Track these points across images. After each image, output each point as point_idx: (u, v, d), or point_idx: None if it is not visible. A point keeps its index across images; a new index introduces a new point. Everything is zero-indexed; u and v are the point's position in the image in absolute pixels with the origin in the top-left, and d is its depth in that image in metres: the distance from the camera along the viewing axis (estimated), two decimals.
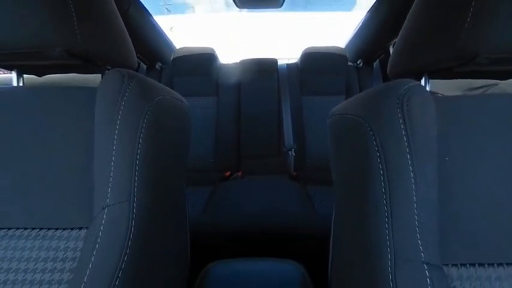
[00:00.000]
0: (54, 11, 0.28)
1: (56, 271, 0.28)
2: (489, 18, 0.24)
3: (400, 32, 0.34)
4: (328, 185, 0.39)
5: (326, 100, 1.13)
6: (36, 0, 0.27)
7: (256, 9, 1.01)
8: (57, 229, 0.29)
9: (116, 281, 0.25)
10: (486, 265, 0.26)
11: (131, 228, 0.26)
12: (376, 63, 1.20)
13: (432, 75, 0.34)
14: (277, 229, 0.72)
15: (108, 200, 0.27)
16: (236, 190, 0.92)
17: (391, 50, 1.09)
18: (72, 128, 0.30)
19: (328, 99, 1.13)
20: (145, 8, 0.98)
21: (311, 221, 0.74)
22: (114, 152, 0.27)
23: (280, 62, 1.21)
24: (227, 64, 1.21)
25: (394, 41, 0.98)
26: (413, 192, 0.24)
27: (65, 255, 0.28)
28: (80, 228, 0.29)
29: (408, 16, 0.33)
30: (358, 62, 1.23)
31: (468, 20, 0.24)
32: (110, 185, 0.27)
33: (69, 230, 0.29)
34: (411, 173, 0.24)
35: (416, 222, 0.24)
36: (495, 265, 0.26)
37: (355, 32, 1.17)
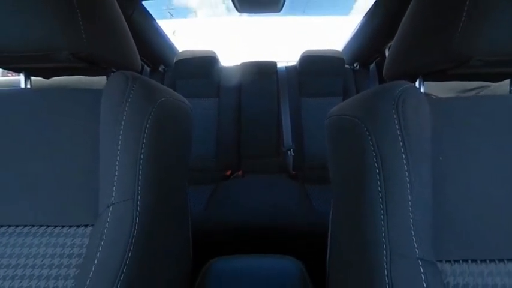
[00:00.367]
0: (61, 15, 0.29)
1: (62, 267, 0.28)
2: (482, 22, 0.25)
3: (396, 36, 0.35)
4: (326, 184, 0.39)
5: (324, 101, 1.15)
6: (43, 5, 0.28)
7: (256, 13, 1.03)
8: (63, 226, 0.30)
9: (120, 276, 0.26)
10: (479, 261, 0.27)
11: (135, 226, 0.27)
12: (372, 66, 1.22)
13: (426, 77, 0.35)
14: (276, 226, 0.73)
15: (113, 198, 0.28)
16: (237, 189, 0.93)
17: (386, 53, 1.11)
18: (78, 128, 0.32)
19: (326, 100, 1.14)
20: (149, 12, 1.00)
21: (309, 218, 0.75)
22: (118, 152, 0.28)
23: (279, 65, 1.23)
24: (228, 67, 1.23)
25: (390, 44, 0.99)
26: (408, 191, 0.25)
27: (71, 252, 0.29)
28: (86, 226, 0.30)
29: (403, 20, 0.34)
30: (355, 65, 1.25)
31: (461, 23, 0.25)
32: (115, 184, 0.28)
33: (75, 227, 0.30)
34: (406, 173, 0.25)
35: (411, 220, 0.25)
36: (487, 261, 0.27)
37: (351, 35, 1.19)
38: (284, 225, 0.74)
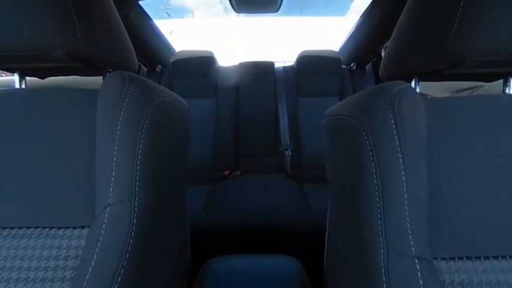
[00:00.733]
0: (56, 14, 0.28)
1: (58, 269, 0.28)
2: (476, 23, 0.25)
3: (391, 36, 0.35)
4: (323, 183, 0.40)
5: (321, 101, 1.15)
6: (38, 3, 0.28)
7: (254, 13, 1.03)
8: (60, 228, 0.30)
9: (118, 278, 0.25)
10: (473, 258, 0.28)
11: (132, 227, 0.27)
12: (368, 66, 1.23)
13: (422, 77, 0.35)
14: (274, 226, 0.73)
15: (110, 199, 0.27)
16: (235, 188, 0.93)
17: (382, 54, 1.12)
18: (74, 129, 0.31)
19: (323, 100, 1.15)
20: (145, 12, 1.00)
21: (307, 217, 0.76)
22: (115, 152, 0.28)
23: (277, 65, 1.24)
24: (225, 67, 1.23)
25: (386, 44, 1.00)
26: (405, 190, 0.25)
27: (67, 254, 0.29)
28: (83, 227, 0.30)
29: (399, 21, 0.34)
30: (351, 65, 1.26)
31: (455, 25, 0.25)
32: (112, 185, 0.28)
33: (72, 229, 0.30)
34: (402, 171, 0.25)
35: (408, 219, 0.25)
36: (482, 258, 0.28)
37: (348, 36, 1.20)
38: (282, 224, 0.74)
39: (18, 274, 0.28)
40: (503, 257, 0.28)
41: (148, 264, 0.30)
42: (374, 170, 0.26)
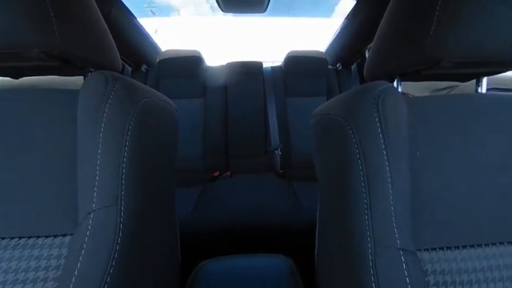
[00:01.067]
0: (31, 10, 0.27)
1: (38, 281, 0.26)
2: (450, 28, 0.26)
3: (374, 38, 0.37)
4: (313, 181, 0.40)
5: (309, 101, 1.17)
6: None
7: (241, 13, 1.03)
8: (39, 237, 0.28)
9: (104, 287, 0.24)
10: (453, 248, 0.29)
11: (119, 233, 0.26)
12: (353, 67, 1.27)
13: (403, 77, 0.37)
14: (265, 225, 0.73)
15: (94, 204, 0.26)
16: (225, 189, 0.93)
17: (366, 54, 1.16)
18: (53, 131, 0.29)
19: (311, 100, 1.17)
20: (128, 10, 0.96)
21: (297, 216, 0.77)
22: (99, 155, 0.27)
23: (265, 65, 1.24)
24: (213, 66, 1.22)
25: (369, 46, 1.04)
26: (389, 186, 0.26)
27: (48, 264, 0.27)
28: (64, 235, 0.28)
29: (380, 24, 0.35)
30: (337, 65, 1.29)
31: (433, 28, 0.27)
32: (96, 189, 0.26)
33: (52, 238, 0.28)
34: (387, 168, 0.26)
35: (393, 213, 0.26)
36: (460, 248, 0.29)
37: (333, 37, 1.23)
38: (273, 223, 0.75)
39: None
40: (479, 245, 0.30)
41: (137, 270, 0.29)
42: (360, 167, 0.27)
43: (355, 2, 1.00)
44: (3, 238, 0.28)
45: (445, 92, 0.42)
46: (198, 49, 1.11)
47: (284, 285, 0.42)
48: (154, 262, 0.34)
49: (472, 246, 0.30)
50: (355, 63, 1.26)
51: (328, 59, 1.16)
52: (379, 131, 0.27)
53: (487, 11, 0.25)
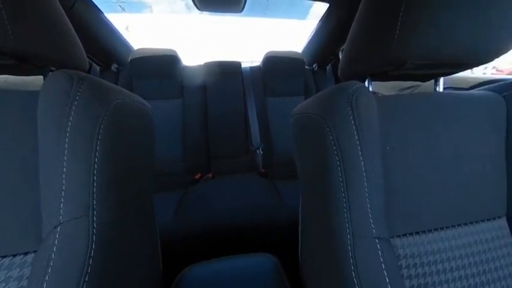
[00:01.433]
0: None
1: None
2: (413, 32, 0.28)
3: (346, 41, 0.38)
4: (295, 179, 0.41)
5: (288, 100, 1.20)
6: None
7: (217, 12, 1.02)
8: None
9: None
10: (420, 233, 0.32)
11: (92, 245, 0.24)
12: (328, 67, 1.32)
13: (373, 77, 0.39)
14: (250, 225, 0.73)
15: (61, 217, 0.24)
16: (207, 191, 0.91)
17: (340, 56, 1.22)
18: (8, 138, 0.26)
19: (290, 99, 1.20)
20: (94, 4, 0.89)
21: (281, 213, 0.78)
22: (65, 162, 0.24)
23: (243, 65, 1.24)
24: (191, 66, 1.18)
25: (342, 47, 1.09)
26: (365, 179, 0.28)
27: (6, 287, 0.24)
28: (26, 254, 0.25)
29: (352, 27, 0.37)
30: (313, 66, 1.34)
31: (397, 32, 0.28)
32: (63, 200, 0.24)
33: (11, 257, 0.25)
34: (362, 163, 0.28)
35: (368, 205, 0.28)
36: (426, 232, 0.32)
37: (309, 39, 1.27)
38: (257, 223, 0.75)
39: None
40: (442, 229, 0.33)
41: (114, 280, 0.27)
42: (338, 163, 0.28)
43: (327, 5, 1.04)
44: None
45: (409, 91, 0.45)
46: (173, 48, 1.07)
47: (270, 284, 0.42)
48: (133, 273, 0.32)
49: (436, 230, 0.33)
50: (330, 64, 1.32)
51: (304, 59, 1.20)
52: (354, 128, 0.28)
53: (444, 19, 0.27)
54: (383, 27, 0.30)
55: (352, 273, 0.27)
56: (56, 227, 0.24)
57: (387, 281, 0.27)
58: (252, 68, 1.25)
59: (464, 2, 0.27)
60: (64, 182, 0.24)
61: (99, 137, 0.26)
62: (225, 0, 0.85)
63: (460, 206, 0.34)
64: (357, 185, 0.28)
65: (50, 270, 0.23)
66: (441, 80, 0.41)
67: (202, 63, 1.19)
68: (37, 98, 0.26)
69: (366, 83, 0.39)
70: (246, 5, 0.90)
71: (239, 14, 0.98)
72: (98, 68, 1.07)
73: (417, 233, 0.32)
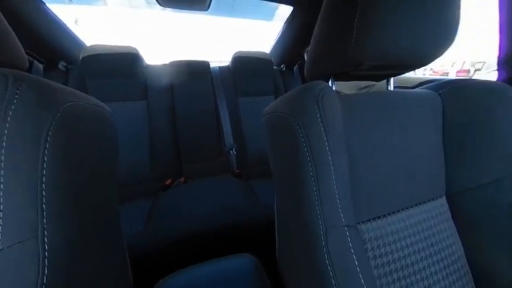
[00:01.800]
0: None
1: None
2: (367, 36, 0.30)
3: (310, 43, 0.40)
4: (270, 177, 0.42)
5: (259, 100, 1.21)
6: None
7: (181, 9, 0.97)
8: None
9: None
10: (381, 217, 0.36)
11: (44, 270, 0.21)
12: (296, 67, 1.38)
13: (336, 77, 0.42)
14: (228, 227, 0.72)
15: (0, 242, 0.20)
16: (180, 196, 0.87)
17: (305, 57, 1.29)
18: None
19: (261, 99, 1.22)
20: None
21: (258, 213, 0.78)
22: (1, 177, 0.21)
23: (212, 65, 1.22)
24: (155, 65, 1.11)
25: (307, 49, 1.15)
26: (333, 172, 0.30)
27: None
28: None
29: (314, 30, 0.39)
30: (281, 66, 1.38)
31: (354, 36, 0.31)
32: (1, 222, 0.21)
33: None
34: (329, 157, 0.30)
35: (337, 196, 0.30)
36: (386, 215, 0.36)
37: (276, 40, 1.31)
38: (235, 224, 0.74)
39: None
40: (398, 211, 0.37)
41: None
42: (309, 158, 0.30)
43: (292, 8, 1.08)
44: None
45: (365, 90, 0.51)
46: (133, 45, 0.99)
47: (250, 284, 0.42)
48: None
49: (393, 213, 0.37)
50: (296, 65, 1.37)
51: (273, 60, 1.23)
52: (321, 125, 0.30)
53: (391, 25, 0.31)
54: (342, 32, 0.33)
55: (326, 261, 0.28)
56: None
57: (356, 264, 0.29)
58: (221, 68, 1.23)
59: (406, 10, 0.30)
60: (1, 200, 0.21)
61: (47, 146, 0.22)
62: None
63: (411, 191, 0.39)
64: (326, 178, 0.30)
65: None
66: (391, 80, 0.46)
67: (166, 62, 1.12)
68: None
69: (330, 82, 0.42)
70: (212, 3, 0.88)
71: (205, 12, 0.96)
72: (41, 66, 0.93)
73: (378, 217, 0.36)
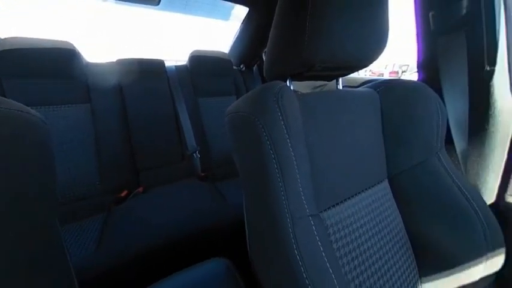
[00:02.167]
0: None
1: None
2: (317, 40, 0.33)
3: (267, 44, 0.42)
4: (236, 177, 0.42)
5: (220, 100, 1.19)
6: None
7: (128, 2, 0.88)
8: None
9: None
10: (339, 203, 0.40)
11: None
12: (255, 68, 1.41)
13: (293, 77, 0.44)
14: (196, 232, 0.69)
15: None
16: (139, 208, 0.79)
17: (264, 57, 1.33)
18: None
19: (222, 99, 1.20)
20: None
21: (226, 214, 0.77)
22: None
23: (167, 64, 1.14)
24: (98, 64, 0.97)
25: (265, 50, 1.19)
26: (296, 167, 0.32)
27: None
28: None
29: (270, 33, 0.41)
30: (241, 66, 1.39)
31: (306, 38, 0.33)
32: None
33: None
34: (292, 153, 0.32)
35: (300, 188, 0.32)
36: (343, 201, 0.40)
37: (234, 40, 1.31)
38: (204, 228, 0.72)
39: None
40: (352, 197, 0.42)
41: None
42: (273, 156, 0.31)
43: (247, 9, 1.10)
44: None
45: (319, 89, 0.56)
46: (67, 40, 0.85)
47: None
48: None
49: (348, 198, 0.41)
50: (256, 65, 1.40)
51: (232, 60, 1.22)
52: (282, 123, 0.31)
53: (339, 31, 0.34)
54: (295, 35, 0.35)
55: (295, 251, 0.30)
56: None
57: (321, 249, 0.31)
58: (178, 68, 1.16)
59: (349, 18, 0.34)
60: None
61: None
62: None
63: (361, 177, 0.44)
64: (290, 173, 0.31)
65: None
66: (340, 80, 0.52)
67: (111, 60, 1.00)
68: None
69: (288, 82, 0.44)
70: None
71: (157, 7, 0.89)
72: None
73: (337, 204, 0.40)
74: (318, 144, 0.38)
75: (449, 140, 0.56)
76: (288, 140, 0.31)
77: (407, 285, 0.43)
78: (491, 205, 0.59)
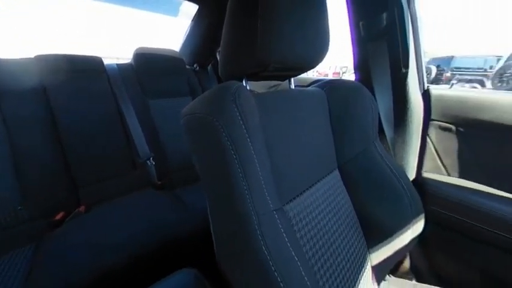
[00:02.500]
0: None
1: None
2: (269, 42, 0.34)
3: (221, 44, 0.41)
4: (196, 182, 0.40)
5: (174, 101, 1.12)
6: None
7: None
8: None
9: None
10: (299, 195, 0.42)
11: None
12: (209, 67, 1.37)
13: (249, 77, 0.45)
14: (159, 245, 0.63)
15: None
16: (81, 230, 0.67)
17: (218, 57, 1.31)
18: None
19: (177, 100, 1.13)
20: None
21: (190, 221, 0.74)
22: None
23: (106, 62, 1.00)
24: (9, 60, 0.78)
25: (219, 49, 1.17)
26: (257, 165, 0.32)
27: None
28: None
29: (223, 33, 0.40)
30: (195, 66, 1.32)
31: (258, 41, 0.34)
32: None
33: None
34: (252, 151, 0.32)
35: (263, 185, 0.33)
36: (302, 192, 0.43)
37: (184, 38, 1.25)
38: (167, 240, 0.66)
39: None
40: (310, 187, 0.45)
41: None
42: (234, 155, 0.31)
43: (197, 6, 1.06)
44: None
45: (273, 88, 0.58)
46: None
47: None
48: None
49: (307, 189, 0.45)
50: (210, 64, 1.37)
51: (184, 59, 1.16)
52: (241, 123, 0.31)
53: (288, 34, 0.36)
54: (248, 36, 0.35)
55: (262, 247, 0.30)
56: None
57: (286, 240, 0.33)
58: (120, 66, 1.03)
59: (296, 22, 0.37)
60: None
61: None
62: None
63: (316, 169, 0.48)
64: (252, 171, 0.32)
65: None
66: (292, 80, 0.55)
67: (29, 56, 0.82)
68: None
69: (244, 82, 0.45)
70: None
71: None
72: None
73: (298, 195, 0.42)
74: (275, 140, 0.39)
75: (381, 130, 0.67)
76: (248, 139, 0.32)
77: (359, 258, 0.50)
78: (413, 180, 0.73)
